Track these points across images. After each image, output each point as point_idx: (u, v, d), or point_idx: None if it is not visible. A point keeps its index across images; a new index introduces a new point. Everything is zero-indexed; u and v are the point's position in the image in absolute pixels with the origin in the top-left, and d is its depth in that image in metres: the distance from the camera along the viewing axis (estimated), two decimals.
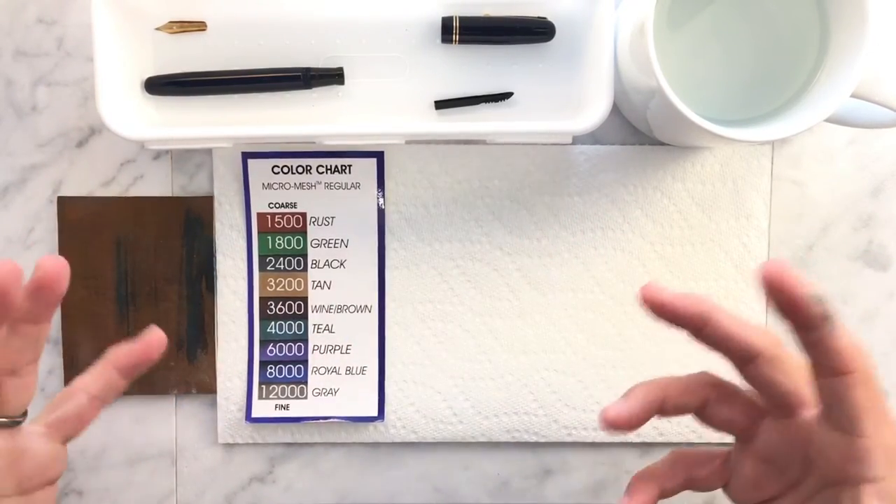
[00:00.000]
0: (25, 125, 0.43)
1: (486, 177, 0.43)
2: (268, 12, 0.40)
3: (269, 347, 0.43)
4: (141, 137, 0.39)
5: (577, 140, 0.42)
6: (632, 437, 0.43)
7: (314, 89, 0.41)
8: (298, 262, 0.43)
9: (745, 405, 0.32)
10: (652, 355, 0.43)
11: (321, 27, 0.41)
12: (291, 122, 0.41)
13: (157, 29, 0.40)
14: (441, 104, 0.41)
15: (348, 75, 0.41)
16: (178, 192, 0.43)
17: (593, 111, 0.38)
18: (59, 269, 0.30)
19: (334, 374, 0.43)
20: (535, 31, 0.40)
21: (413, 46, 0.41)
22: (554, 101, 0.41)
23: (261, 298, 0.43)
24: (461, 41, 0.40)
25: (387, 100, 0.41)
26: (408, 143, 0.42)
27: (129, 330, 0.43)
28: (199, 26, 0.40)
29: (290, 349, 0.43)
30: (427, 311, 0.43)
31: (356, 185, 0.43)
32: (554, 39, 0.40)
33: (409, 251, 0.43)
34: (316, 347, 0.43)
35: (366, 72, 0.41)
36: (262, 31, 0.40)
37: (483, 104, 0.41)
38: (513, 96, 0.41)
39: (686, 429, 0.43)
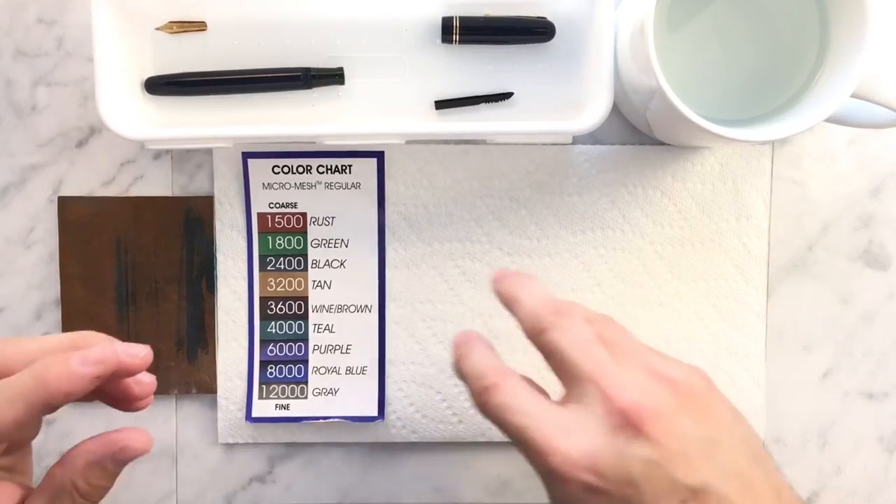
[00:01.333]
0: (25, 125, 0.43)
1: (486, 177, 0.43)
2: (268, 12, 0.40)
3: (270, 347, 0.43)
4: (141, 137, 0.39)
5: (577, 140, 0.42)
6: None
7: (314, 89, 0.41)
8: (298, 262, 0.43)
9: None
10: None
11: (321, 27, 0.41)
12: (291, 122, 0.41)
13: (157, 29, 0.40)
14: (441, 104, 0.41)
15: (348, 75, 0.41)
16: (178, 192, 0.43)
17: (593, 111, 0.38)
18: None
19: (334, 373, 0.43)
20: (535, 31, 0.40)
21: (413, 46, 0.41)
22: (554, 101, 0.41)
23: (261, 298, 0.43)
24: (461, 41, 0.40)
25: (387, 100, 0.41)
26: (408, 143, 0.42)
27: (129, 330, 0.43)
28: (199, 26, 0.40)
29: (290, 349, 0.43)
30: (427, 311, 0.43)
31: (356, 185, 0.43)
32: (554, 39, 0.40)
33: (409, 251, 0.43)
34: (316, 347, 0.43)
35: (366, 72, 0.41)
36: (262, 31, 0.40)
37: (483, 104, 0.41)
38: (513, 96, 0.41)
39: None
